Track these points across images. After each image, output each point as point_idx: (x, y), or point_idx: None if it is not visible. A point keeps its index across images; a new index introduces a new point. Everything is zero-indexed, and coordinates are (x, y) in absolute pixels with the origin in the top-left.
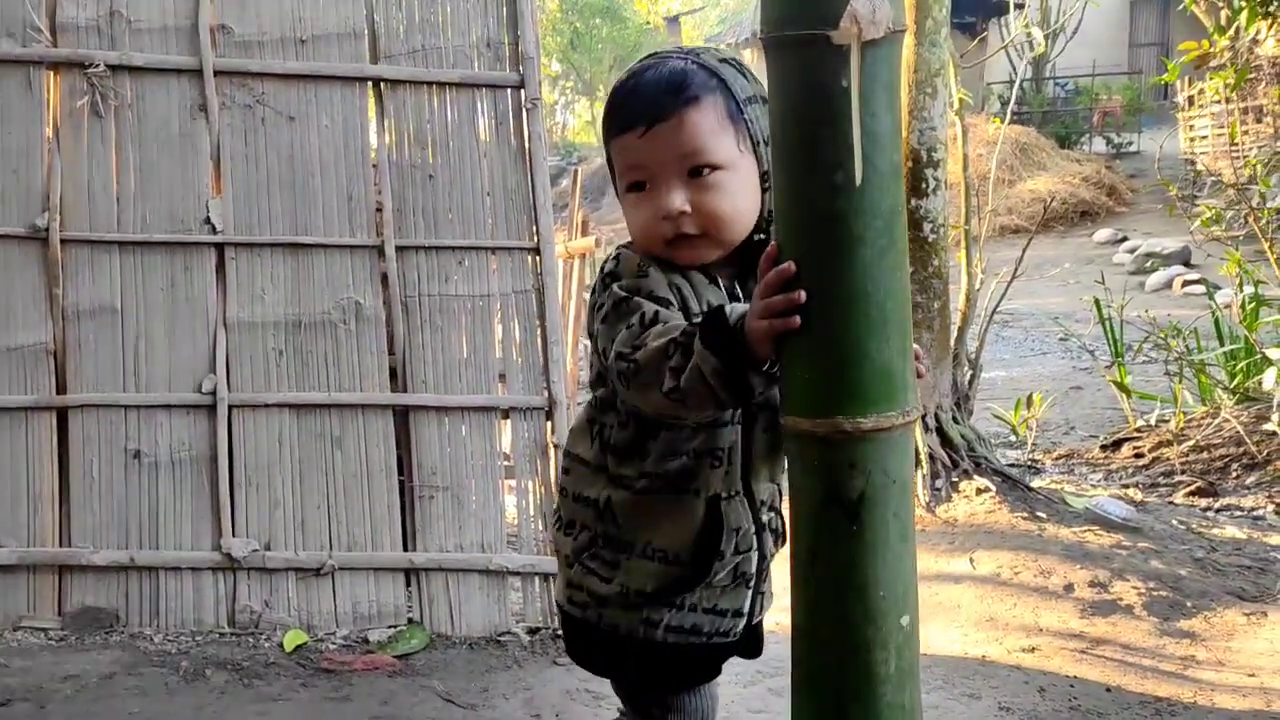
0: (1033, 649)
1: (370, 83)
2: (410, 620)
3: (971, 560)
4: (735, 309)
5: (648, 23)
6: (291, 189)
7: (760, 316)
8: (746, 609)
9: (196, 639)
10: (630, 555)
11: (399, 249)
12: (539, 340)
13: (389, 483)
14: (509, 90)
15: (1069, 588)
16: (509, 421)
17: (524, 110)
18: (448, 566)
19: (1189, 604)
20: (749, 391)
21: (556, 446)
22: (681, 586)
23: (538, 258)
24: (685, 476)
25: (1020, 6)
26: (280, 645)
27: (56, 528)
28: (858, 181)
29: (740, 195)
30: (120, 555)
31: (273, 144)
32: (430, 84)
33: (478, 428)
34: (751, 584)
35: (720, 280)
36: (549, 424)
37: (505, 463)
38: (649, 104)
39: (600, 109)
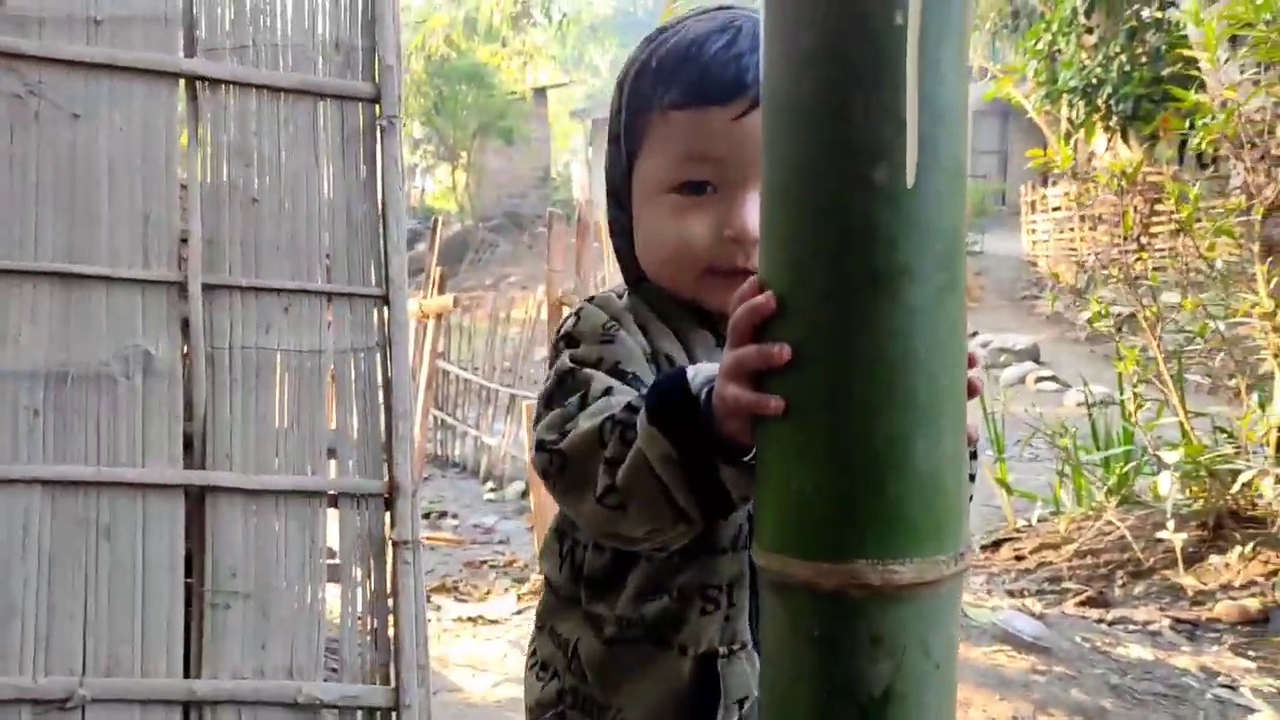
0: None
1: (183, 80)
2: None
3: None
4: (702, 369)
5: (514, 92)
6: (69, 203)
7: (731, 377)
8: None
9: None
10: None
11: (206, 288)
12: (381, 409)
13: (172, 586)
14: (360, 103)
15: None
16: (337, 510)
17: (378, 127)
18: (241, 698)
19: None
20: (722, 496)
21: (396, 543)
22: None
23: (385, 308)
24: (666, 623)
25: None
26: None
27: None
28: (910, 180)
29: None
30: None
31: (48, 145)
32: (260, 87)
33: (296, 517)
34: None
35: None
36: (389, 514)
37: (329, 561)
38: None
39: (461, 175)
